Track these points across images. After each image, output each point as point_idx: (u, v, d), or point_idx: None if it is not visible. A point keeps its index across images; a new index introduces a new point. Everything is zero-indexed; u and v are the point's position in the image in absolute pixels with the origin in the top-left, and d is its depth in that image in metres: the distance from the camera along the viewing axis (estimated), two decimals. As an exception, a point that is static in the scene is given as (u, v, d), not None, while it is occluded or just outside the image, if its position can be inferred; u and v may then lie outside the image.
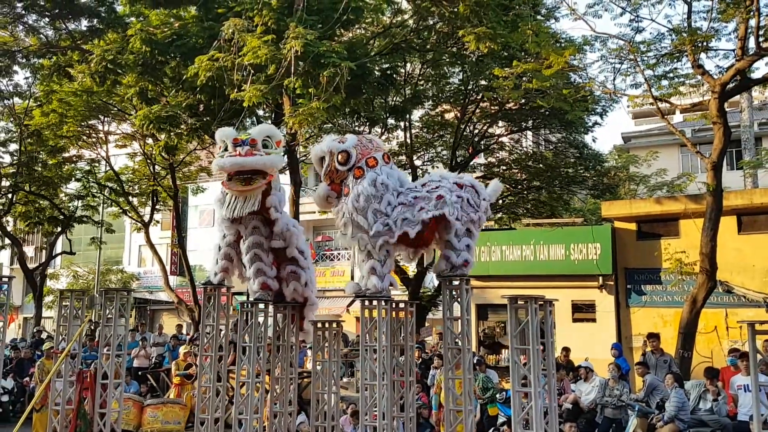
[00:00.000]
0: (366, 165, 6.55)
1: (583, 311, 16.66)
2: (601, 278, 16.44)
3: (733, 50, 12.24)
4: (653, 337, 11.97)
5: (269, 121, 18.16)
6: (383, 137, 17.80)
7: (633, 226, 16.43)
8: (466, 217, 6.44)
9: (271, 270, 7.44)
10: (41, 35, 16.52)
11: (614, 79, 13.33)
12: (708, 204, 12.07)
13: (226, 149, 6.96)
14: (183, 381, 12.55)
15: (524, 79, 12.62)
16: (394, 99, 16.66)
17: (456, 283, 6.75)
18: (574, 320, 16.55)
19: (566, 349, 12.91)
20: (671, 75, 13.18)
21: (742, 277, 14.85)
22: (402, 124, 17.43)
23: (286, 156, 13.17)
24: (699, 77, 12.59)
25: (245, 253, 7.35)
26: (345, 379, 13.59)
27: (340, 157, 6.59)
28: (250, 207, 7.01)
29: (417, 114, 18.42)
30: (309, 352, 13.31)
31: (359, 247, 6.64)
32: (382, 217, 6.44)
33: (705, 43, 12.15)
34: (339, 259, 29.31)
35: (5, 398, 13.71)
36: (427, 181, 6.76)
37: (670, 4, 12.48)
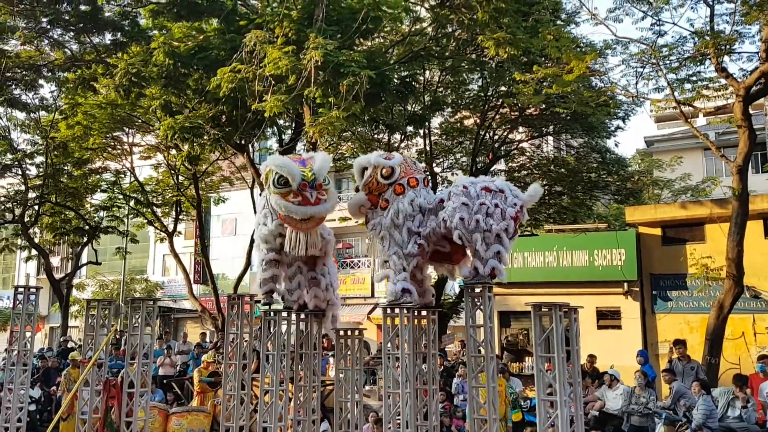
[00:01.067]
0: (407, 184, 6.78)
1: (607, 318, 16.50)
2: (626, 284, 16.28)
3: (757, 53, 12.09)
4: (680, 343, 11.81)
5: (289, 132, 18.32)
6: (402, 145, 17.82)
7: (658, 231, 16.27)
8: (495, 224, 6.39)
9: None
10: (66, 49, 16.84)
11: (636, 83, 13.23)
12: (734, 208, 11.90)
13: (285, 185, 6.66)
14: (205, 388, 12.64)
15: (545, 84, 12.57)
16: (414, 106, 16.68)
17: (478, 290, 6.72)
18: (599, 327, 16.41)
19: (592, 357, 12.78)
20: (694, 78, 13.05)
21: (770, 282, 14.61)
22: (421, 131, 17.44)
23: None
24: (723, 80, 12.44)
25: (288, 266, 7.39)
26: (367, 387, 13.58)
27: (384, 171, 6.83)
28: (314, 244, 7.03)
29: (436, 121, 18.41)
30: (331, 360, 13.34)
31: (393, 261, 6.75)
32: (413, 236, 6.66)
33: (728, 46, 12.02)
34: (359, 267, 29.34)
35: (32, 407, 13.89)
36: (452, 190, 6.75)
37: (692, 8, 12.38)
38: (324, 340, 13.15)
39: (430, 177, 7.52)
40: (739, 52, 12.86)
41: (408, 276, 6.76)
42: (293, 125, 17.34)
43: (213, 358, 13.62)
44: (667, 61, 12.79)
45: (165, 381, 14.88)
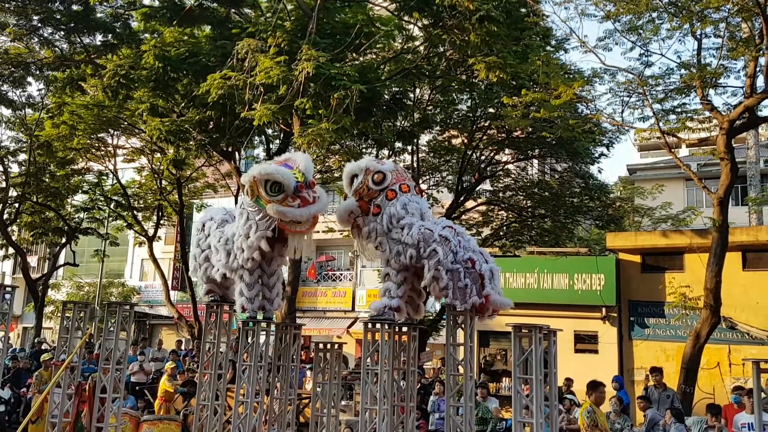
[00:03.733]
0: (399, 190, 6.75)
1: (585, 342, 16.58)
2: (604, 309, 16.38)
3: (742, 87, 12.32)
4: (656, 371, 11.88)
5: (277, 141, 18.31)
6: (390, 160, 17.86)
7: (638, 258, 16.41)
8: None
9: None
10: (56, 48, 16.74)
11: (622, 111, 13.40)
12: (713, 239, 12.05)
13: (279, 191, 6.50)
14: (170, 396, 12.52)
15: (533, 108, 12.70)
16: (403, 123, 16.77)
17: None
18: (576, 351, 16.47)
19: (569, 380, 12.82)
20: (679, 110, 13.24)
21: (746, 314, 14.78)
22: (409, 147, 17.51)
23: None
24: (707, 113, 12.65)
25: (275, 279, 7.33)
26: (343, 402, 13.48)
27: (376, 176, 6.79)
28: (309, 246, 6.96)
29: (424, 138, 18.51)
30: (308, 373, 13.24)
31: (392, 274, 6.75)
32: (405, 240, 6.57)
33: (714, 80, 12.24)
34: (341, 280, 29.24)
35: (1, 408, 13.62)
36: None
37: (680, 40, 12.60)
38: (302, 352, 13.06)
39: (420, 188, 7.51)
40: (724, 86, 13.08)
41: (406, 290, 6.74)
42: (281, 135, 17.32)
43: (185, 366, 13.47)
44: (654, 92, 12.98)
45: (137, 387, 14.67)
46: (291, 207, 6.49)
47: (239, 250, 6.99)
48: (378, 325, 6.73)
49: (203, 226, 7.72)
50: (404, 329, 7.21)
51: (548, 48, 14.75)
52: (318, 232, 21.78)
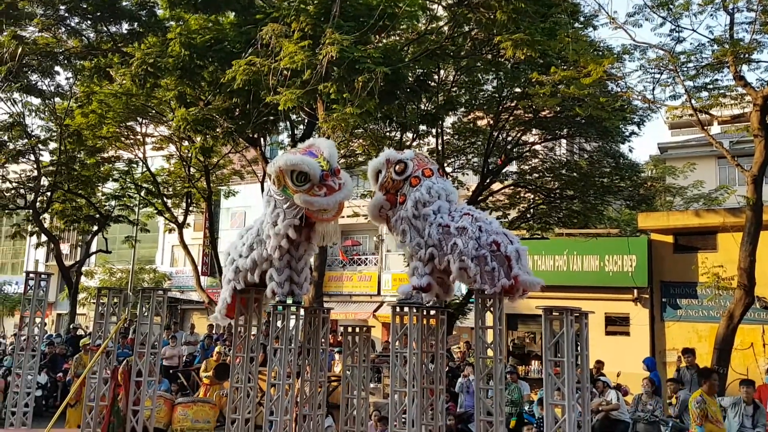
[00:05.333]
0: (422, 175, 6.78)
1: (616, 324, 16.42)
2: (636, 291, 16.19)
3: (777, 62, 11.95)
4: (689, 352, 11.74)
5: (302, 127, 18.33)
6: (414, 143, 17.77)
7: (670, 239, 16.17)
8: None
9: None
10: (83, 37, 16.90)
11: (653, 89, 13.11)
12: (747, 218, 11.80)
13: (305, 180, 6.51)
14: (212, 381, 12.67)
15: (561, 86, 12.49)
16: (427, 105, 16.64)
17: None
18: (607, 333, 16.33)
19: (599, 362, 12.72)
20: (711, 86, 12.92)
21: (781, 294, 14.49)
22: (434, 130, 17.38)
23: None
24: (740, 89, 12.33)
25: (303, 264, 7.37)
26: (372, 385, 13.58)
27: (397, 167, 6.86)
28: (336, 232, 7.14)
29: (449, 121, 18.34)
30: (337, 356, 13.35)
31: (418, 254, 6.74)
32: (428, 223, 6.60)
33: (747, 55, 11.90)
34: (367, 264, 29.32)
35: (39, 393, 14.02)
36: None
37: (711, 15, 12.21)
38: (330, 336, 13.16)
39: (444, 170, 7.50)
40: (757, 61, 12.73)
41: (433, 268, 6.73)
42: (306, 121, 17.33)
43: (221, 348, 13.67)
44: (685, 68, 12.68)
45: (171, 371, 14.94)
46: (318, 196, 6.51)
47: (267, 238, 7.03)
48: (406, 309, 6.74)
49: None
50: (432, 313, 7.21)
51: (576, 25, 14.47)
52: (343, 216, 21.72)
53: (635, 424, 10.34)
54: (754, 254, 11.49)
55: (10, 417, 9.30)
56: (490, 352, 6.71)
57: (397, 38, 15.38)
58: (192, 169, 21.46)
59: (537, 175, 18.76)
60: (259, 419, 8.13)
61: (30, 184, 22.78)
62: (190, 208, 23.15)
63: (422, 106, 16.44)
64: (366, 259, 29.49)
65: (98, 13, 15.65)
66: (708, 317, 15.18)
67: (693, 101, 12.55)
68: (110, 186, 24.56)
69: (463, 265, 6.36)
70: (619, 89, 14.01)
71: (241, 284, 7.49)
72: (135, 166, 23.32)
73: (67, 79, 20.59)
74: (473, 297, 7.09)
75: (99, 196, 24.34)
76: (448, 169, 18.39)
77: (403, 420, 6.69)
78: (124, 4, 15.93)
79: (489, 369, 6.64)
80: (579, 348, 6.40)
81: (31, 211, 22.68)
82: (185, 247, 21.36)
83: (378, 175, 7.07)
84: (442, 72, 16.67)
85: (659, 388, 11.54)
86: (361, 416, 7.91)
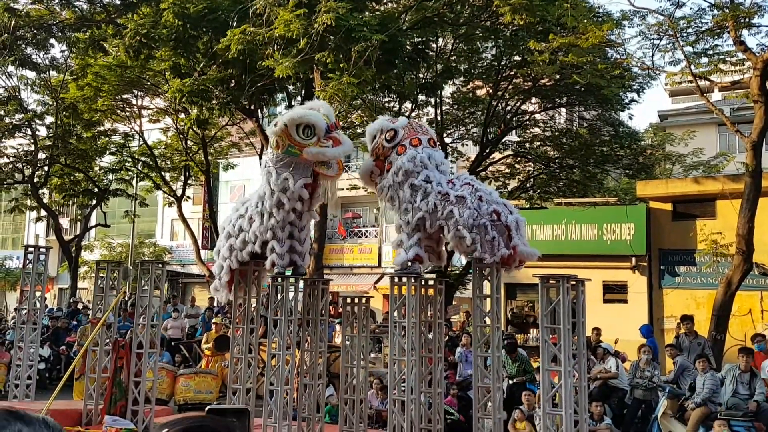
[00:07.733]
0: (410, 144, 6.79)
1: (614, 292, 16.49)
2: (634, 259, 16.22)
3: (778, 26, 11.80)
4: (687, 319, 11.80)
5: (299, 98, 18.17)
6: (413, 113, 17.66)
7: (668, 207, 16.15)
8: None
9: None
10: (76, 9, 16.68)
11: (653, 55, 12.97)
12: (746, 184, 11.77)
13: (311, 134, 6.60)
14: (213, 352, 12.77)
15: (560, 54, 12.36)
16: (426, 74, 16.48)
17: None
18: (605, 301, 16.41)
19: (597, 330, 12.81)
20: (711, 52, 12.78)
21: (780, 260, 14.51)
22: (432, 100, 17.25)
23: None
24: (740, 54, 12.19)
25: (305, 234, 7.42)
26: (372, 355, 13.69)
27: (387, 134, 6.91)
28: (334, 193, 7.20)
29: (448, 90, 18.20)
30: (337, 327, 13.43)
31: (403, 224, 6.80)
32: (419, 191, 6.59)
33: (747, 20, 11.74)
34: (367, 237, 29.36)
35: (42, 366, 14.15)
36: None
37: (712, -22, 12.05)
38: (330, 307, 13.21)
39: (436, 140, 7.45)
40: (758, 26, 12.54)
41: (421, 237, 6.75)
42: (303, 91, 17.18)
43: (220, 320, 13.74)
44: (685, 34, 12.52)
45: (173, 343, 15.04)
46: (326, 147, 6.63)
47: (274, 207, 7.01)
48: (404, 279, 6.75)
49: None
50: (431, 282, 7.24)
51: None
52: (342, 189, 21.86)
53: (633, 390, 10.44)
54: (752, 221, 11.49)
55: (13, 389, 9.39)
56: (488, 321, 6.75)
57: (395, 5, 15.18)
58: (189, 142, 21.35)
59: (537, 145, 18.69)
60: (261, 390, 8.20)
61: (27, 158, 22.68)
62: (189, 182, 23.08)
63: (421, 76, 16.29)
64: (366, 231, 29.52)
65: (90, -17, 15.44)
66: (706, 284, 15.24)
67: (692, 67, 12.42)
68: (107, 159, 24.46)
69: (459, 233, 6.37)
70: (618, 56, 13.87)
71: (236, 264, 7.49)
72: (131, 138, 23.20)
73: (62, 51, 20.39)
74: (472, 268, 7.11)
75: (96, 170, 24.25)
76: (447, 140, 18.28)
77: (402, 388, 6.76)
78: (116, -26, 15.72)
79: (487, 337, 6.68)
80: (576, 315, 6.43)
81: (29, 185, 22.63)
82: (185, 220, 21.36)
83: (374, 140, 7.13)
84: (440, 40, 16.48)
85: (656, 355, 11.63)
86: (361, 385, 7.98)
